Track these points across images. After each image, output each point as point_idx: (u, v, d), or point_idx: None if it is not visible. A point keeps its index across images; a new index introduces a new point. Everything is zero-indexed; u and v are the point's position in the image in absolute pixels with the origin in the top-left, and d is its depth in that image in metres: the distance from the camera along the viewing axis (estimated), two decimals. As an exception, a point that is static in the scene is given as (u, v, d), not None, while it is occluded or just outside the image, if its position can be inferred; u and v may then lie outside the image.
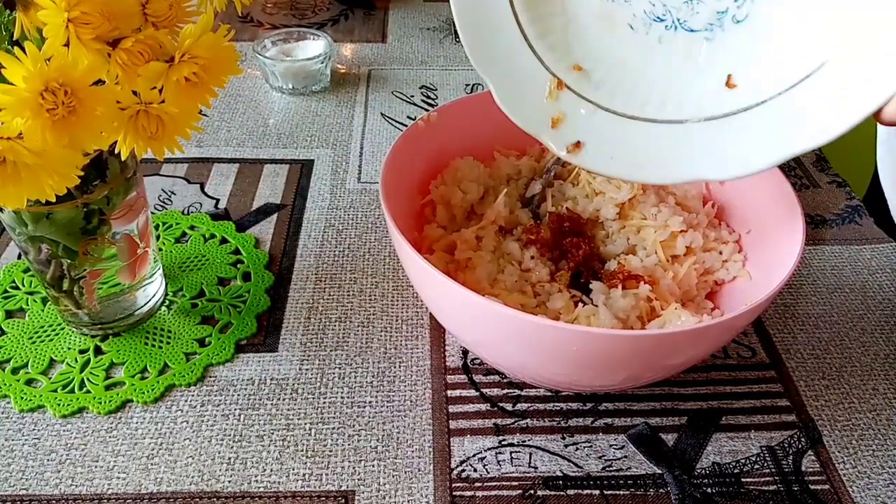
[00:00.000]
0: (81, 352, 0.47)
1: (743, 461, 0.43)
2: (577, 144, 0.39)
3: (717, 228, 0.50)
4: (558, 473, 0.42)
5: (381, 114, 0.73)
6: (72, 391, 0.45)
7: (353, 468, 0.42)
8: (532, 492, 0.41)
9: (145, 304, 0.49)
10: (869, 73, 0.33)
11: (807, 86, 0.35)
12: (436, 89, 0.77)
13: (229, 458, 0.42)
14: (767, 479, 0.42)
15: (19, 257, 0.54)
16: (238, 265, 0.54)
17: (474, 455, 0.42)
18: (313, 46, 0.76)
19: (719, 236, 0.49)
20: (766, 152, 0.36)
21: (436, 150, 0.52)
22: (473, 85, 0.78)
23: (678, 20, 0.38)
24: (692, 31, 0.38)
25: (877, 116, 0.33)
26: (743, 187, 0.49)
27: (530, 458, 0.42)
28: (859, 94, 0.33)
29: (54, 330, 0.48)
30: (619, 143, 0.39)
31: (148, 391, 0.45)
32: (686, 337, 0.37)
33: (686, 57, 0.38)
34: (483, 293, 0.38)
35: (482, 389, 0.46)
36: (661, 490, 0.41)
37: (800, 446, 0.44)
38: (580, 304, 0.44)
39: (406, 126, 0.71)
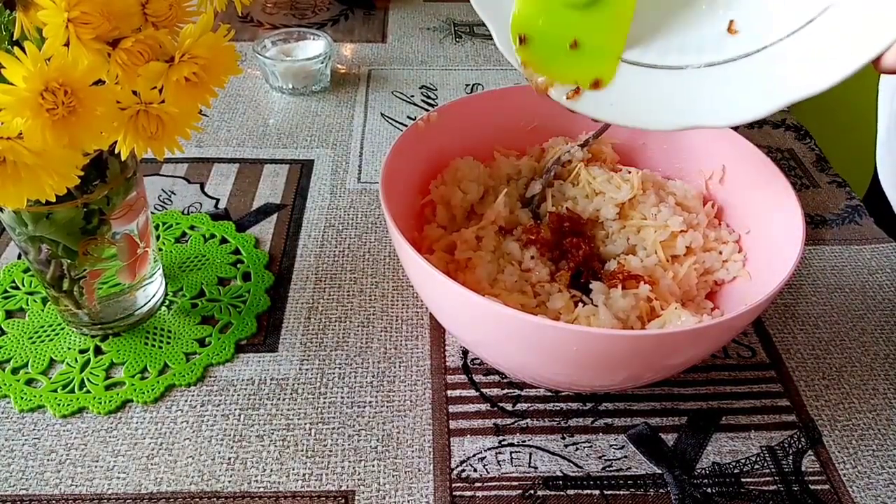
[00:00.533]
0: (81, 352, 0.47)
1: (743, 461, 0.43)
2: (577, 91, 0.38)
3: (717, 228, 0.50)
4: (558, 473, 0.42)
5: (381, 114, 0.73)
6: (72, 391, 0.45)
7: (353, 468, 0.42)
8: (532, 492, 0.41)
9: (145, 304, 0.49)
10: (870, 19, 0.33)
11: (808, 32, 0.35)
12: (436, 89, 0.77)
13: (229, 458, 0.42)
14: (767, 479, 0.42)
15: (19, 257, 0.54)
16: (238, 265, 0.54)
17: (474, 455, 0.42)
18: (313, 46, 0.76)
19: (719, 236, 0.49)
20: (766, 98, 0.35)
21: (436, 150, 0.52)
22: (473, 85, 0.78)
23: None
24: None
25: (875, 64, 0.33)
26: (743, 187, 0.49)
27: (530, 458, 0.42)
28: (859, 41, 0.33)
29: (54, 330, 0.48)
30: (619, 89, 0.38)
31: (148, 391, 0.45)
32: (686, 337, 0.37)
33: (689, 2, 0.38)
34: (483, 293, 0.38)
35: (482, 389, 0.46)
36: (661, 490, 0.41)
37: (800, 446, 0.44)
38: (580, 304, 0.44)
39: (406, 126, 0.71)
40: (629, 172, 0.50)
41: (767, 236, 0.46)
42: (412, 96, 0.76)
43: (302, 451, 0.42)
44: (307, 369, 0.47)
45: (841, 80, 0.33)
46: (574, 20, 0.38)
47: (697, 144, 0.52)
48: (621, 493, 0.41)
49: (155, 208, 0.60)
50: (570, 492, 0.41)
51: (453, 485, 0.41)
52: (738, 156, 0.49)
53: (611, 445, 0.43)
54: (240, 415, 0.44)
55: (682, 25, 0.38)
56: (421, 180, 0.51)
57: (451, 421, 0.44)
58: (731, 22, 0.37)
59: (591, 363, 0.38)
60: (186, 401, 0.45)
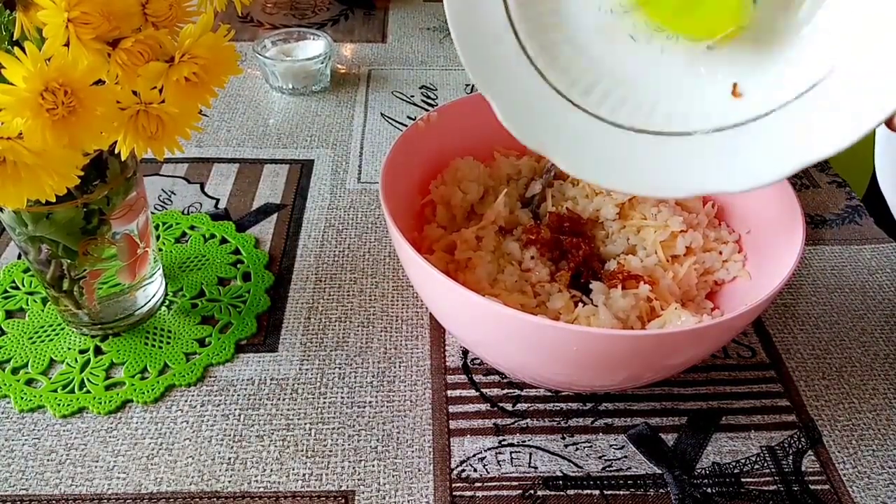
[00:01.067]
0: (81, 352, 0.47)
1: (743, 461, 0.43)
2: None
3: (717, 228, 0.50)
4: (558, 473, 0.42)
5: (381, 114, 0.73)
6: (72, 391, 0.45)
7: (353, 468, 0.42)
8: (532, 492, 0.41)
9: (145, 304, 0.49)
10: (878, 80, 0.33)
11: (815, 94, 0.35)
12: (436, 89, 0.77)
13: (229, 458, 0.42)
14: (767, 479, 0.42)
15: (19, 257, 0.54)
16: (238, 265, 0.54)
17: (474, 455, 0.42)
18: (313, 46, 0.76)
19: (719, 236, 0.49)
20: (776, 163, 0.35)
21: (436, 150, 0.52)
22: (473, 85, 0.78)
23: None
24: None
25: (888, 124, 0.32)
26: None
27: (530, 458, 0.42)
28: (869, 102, 0.32)
29: (54, 330, 0.48)
30: (627, 156, 0.38)
31: (148, 391, 0.45)
32: (686, 337, 0.37)
33: (688, 67, 0.38)
34: (483, 293, 0.38)
35: (482, 389, 0.46)
36: (661, 490, 0.41)
37: (800, 446, 0.44)
38: (580, 304, 0.44)
39: (406, 126, 0.71)
40: None
41: (767, 236, 0.46)
42: (412, 96, 0.76)
43: (302, 451, 0.42)
44: (307, 369, 0.47)
45: (853, 143, 0.33)
46: None
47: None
48: (621, 493, 0.41)
49: (155, 208, 0.60)
50: (570, 492, 0.41)
51: (453, 485, 0.41)
52: None
53: (611, 445, 0.43)
54: (240, 415, 0.44)
55: (685, 90, 0.38)
56: (421, 180, 0.51)
57: (451, 421, 0.44)
58: (735, 85, 0.37)
59: (591, 363, 0.38)
60: (186, 401, 0.45)
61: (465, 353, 0.49)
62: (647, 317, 0.43)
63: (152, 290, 0.49)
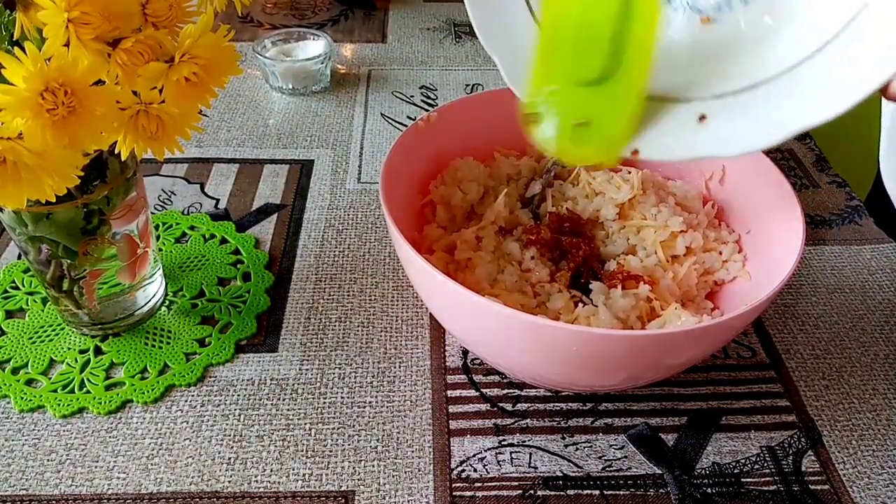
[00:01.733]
0: (81, 352, 0.47)
1: (743, 461, 0.43)
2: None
3: (717, 229, 0.50)
4: (558, 473, 0.42)
5: (381, 114, 0.73)
6: (72, 391, 0.45)
7: (353, 468, 0.42)
8: (532, 492, 0.41)
9: (145, 305, 0.49)
10: (877, 49, 0.32)
11: (811, 63, 0.35)
12: (436, 89, 0.77)
13: (229, 458, 0.42)
14: (767, 479, 0.42)
15: (19, 257, 0.54)
16: (238, 265, 0.54)
17: (474, 455, 0.42)
18: (313, 46, 0.76)
19: (719, 236, 0.49)
20: (773, 127, 0.35)
21: (436, 150, 0.51)
22: (473, 85, 0.78)
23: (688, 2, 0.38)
24: (700, 11, 0.38)
25: (885, 91, 0.32)
26: (743, 187, 0.49)
27: (530, 458, 0.42)
28: (866, 70, 0.32)
29: (54, 330, 0.48)
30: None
31: (148, 391, 0.45)
32: (685, 337, 0.37)
33: (691, 35, 0.38)
34: (483, 293, 0.38)
35: (482, 389, 0.46)
36: (661, 490, 0.41)
37: (800, 446, 0.44)
38: (580, 305, 0.44)
39: (406, 126, 0.71)
40: (629, 173, 0.50)
41: (767, 236, 0.46)
42: (412, 96, 0.76)
43: (302, 451, 0.42)
44: (307, 369, 0.47)
45: (848, 109, 0.32)
46: (584, 99, 0.38)
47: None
48: (621, 493, 0.41)
49: (155, 208, 0.60)
50: (570, 492, 0.41)
51: (453, 485, 0.41)
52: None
53: (611, 445, 0.43)
54: (240, 415, 0.44)
55: (690, 58, 0.38)
56: (421, 180, 0.51)
57: (451, 421, 0.44)
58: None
59: (592, 363, 0.38)
60: (186, 401, 0.45)
61: (465, 353, 0.49)
62: (647, 317, 0.43)
63: (152, 290, 0.49)
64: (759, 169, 0.47)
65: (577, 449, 0.43)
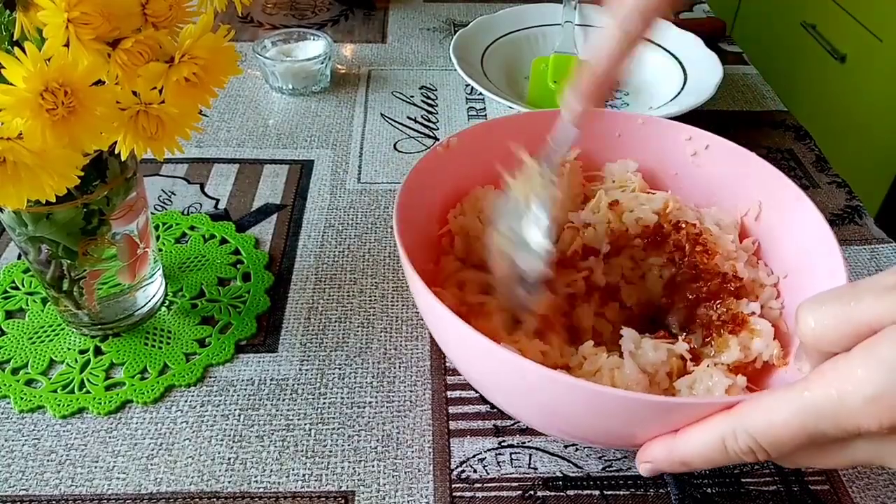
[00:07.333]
0: (81, 352, 0.47)
1: (743, 461, 0.43)
2: None
3: (755, 268, 0.46)
4: (558, 474, 0.42)
5: (381, 114, 0.73)
6: (72, 391, 0.45)
7: (353, 468, 0.42)
8: (532, 492, 0.41)
9: (145, 305, 0.49)
10: None
11: None
12: (436, 90, 0.77)
13: (229, 459, 0.42)
14: (767, 479, 0.42)
15: (19, 257, 0.54)
16: (238, 265, 0.54)
17: (474, 456, 0.42)
18: (313, 47, 0.76)
19: (757, 277, 0.45)
20: None
21: (455, 178, 0.49)
22: (472, 86, 0.78)
23: None
24: None
25: None
26: (779, 226, 0.47)
27: (530, 458, 0.42)
28: None
29: (54, 330, 0.48)
30: None
31: (148, 391, 0.45)
32: (707, 409, 0.31)
33: None
34: (500, 340, 0.36)
35: (482, 390, 0.46)
36: (661, 490, 0.41)
37: (800, 447, 0.44)
38: (607, 355, 0.40)
39: (406, 125, 0.71)
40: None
41: (808, 283, 0.43)
42: (412, 97, 0.76)
43: (302, 451, 0.42)
44: (307, 370, 0.47)
45: None
46: None
47: (730, 176, 0.49)
48: (621, 493, 0.41)
49: (155, 208, 0.60)
50: (570, 492, 0.41)
51: (453, 485, 0.41)
52: (774, 189, 0.47)
53: (611, 446, 0.43)
54: (240, 415, 0.44)
55: None
56: (439, 209, 0.49)
57: (450, 422, 0.44)
58: None
59: (601, 423, 0.35)
60: (186, 401, 0.45)
61: (465, 353, 0.48)
62: (676, 373, 0.40)
63: (152, 290, 0.49)
64: (794, 206, 0.45)
65: (576, 449, 0.43)
